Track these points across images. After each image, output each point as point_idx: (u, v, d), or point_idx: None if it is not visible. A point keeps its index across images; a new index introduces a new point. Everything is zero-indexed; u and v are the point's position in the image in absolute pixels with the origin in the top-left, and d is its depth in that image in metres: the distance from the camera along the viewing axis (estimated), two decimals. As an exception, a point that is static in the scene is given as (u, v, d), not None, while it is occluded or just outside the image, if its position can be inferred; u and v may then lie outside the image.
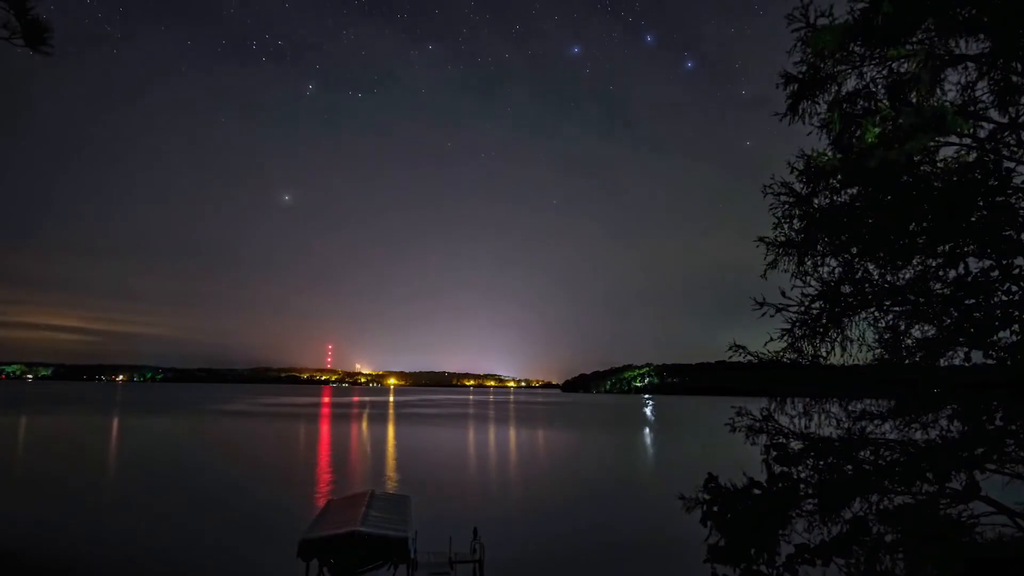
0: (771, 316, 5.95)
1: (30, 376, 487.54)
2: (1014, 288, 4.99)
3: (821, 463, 5.66)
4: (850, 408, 6.10)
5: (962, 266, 5.16)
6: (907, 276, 5.55)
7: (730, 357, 6.26)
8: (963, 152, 5.34)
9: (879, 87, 5.59)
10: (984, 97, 5.21)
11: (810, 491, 5.48)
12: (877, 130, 5.37)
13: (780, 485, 5.42)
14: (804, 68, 5.85)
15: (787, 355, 6.04)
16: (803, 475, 5.64)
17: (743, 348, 6.21)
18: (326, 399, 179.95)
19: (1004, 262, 4.96)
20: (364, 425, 79.31)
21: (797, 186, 6.09)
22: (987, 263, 5.06)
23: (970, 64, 5.16)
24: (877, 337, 5.81)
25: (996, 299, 5.04)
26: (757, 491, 5.34)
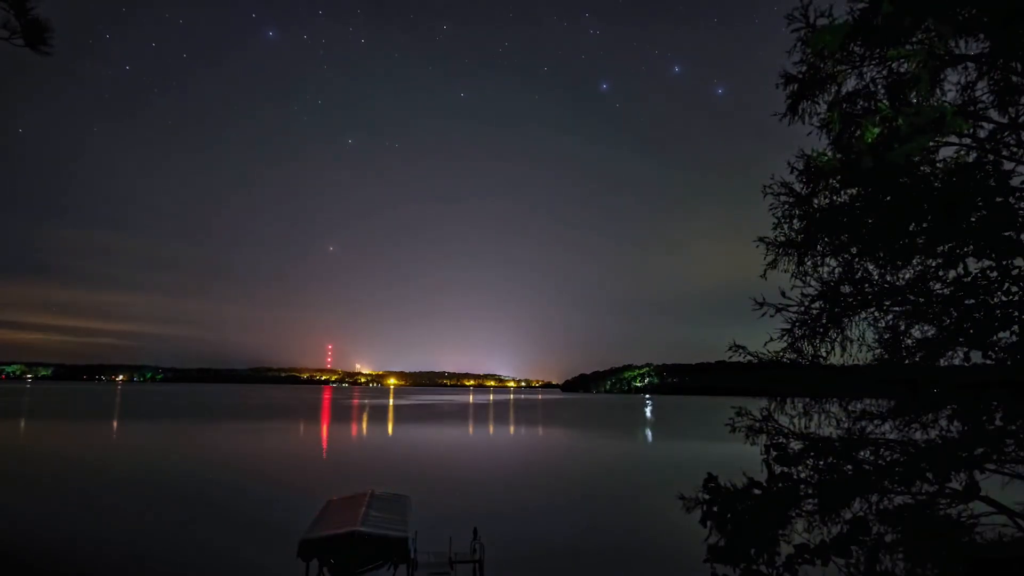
0: (771, 316, 5.95)
1: (30, 376, 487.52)
2: (1014, 288, 4.98)
3: (821, 463, 5.66)
4: (850, 408, 6.10)
5: (962, 266, 5.16)
6: (907, 276, 5.55)
7: (730, 357, 6.26)
8: (963, 152, 5.34)
9: (879, 87, 5.59)
10: (984, 97, 5.21)
11: (810, 491, 5.48)
12: (877, 130, 5.37)
13: (780, 485, 5.42)
14: (804, 68, 5.86)
15: (787, 355, 6.04)
16: (803, 475, 5.64)
17: (743, 348, 6.21)
18: (326, 399, 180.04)
19: (1004, 262, 4.95)
20: (364, 425, 79.30)
21: (797, 186, 6.09)
22: (987, 263, 5.06)
23: (970, 64, 5.16)
24: (877, 337, 5.81)
25: (996, 299, 5.04)
26: (757, 491, 5.33)
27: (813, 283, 5.91)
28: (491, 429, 76.21)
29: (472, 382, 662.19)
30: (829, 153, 5.96)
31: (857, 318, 5.82)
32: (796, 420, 6.08)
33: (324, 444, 55.21)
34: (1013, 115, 5.08)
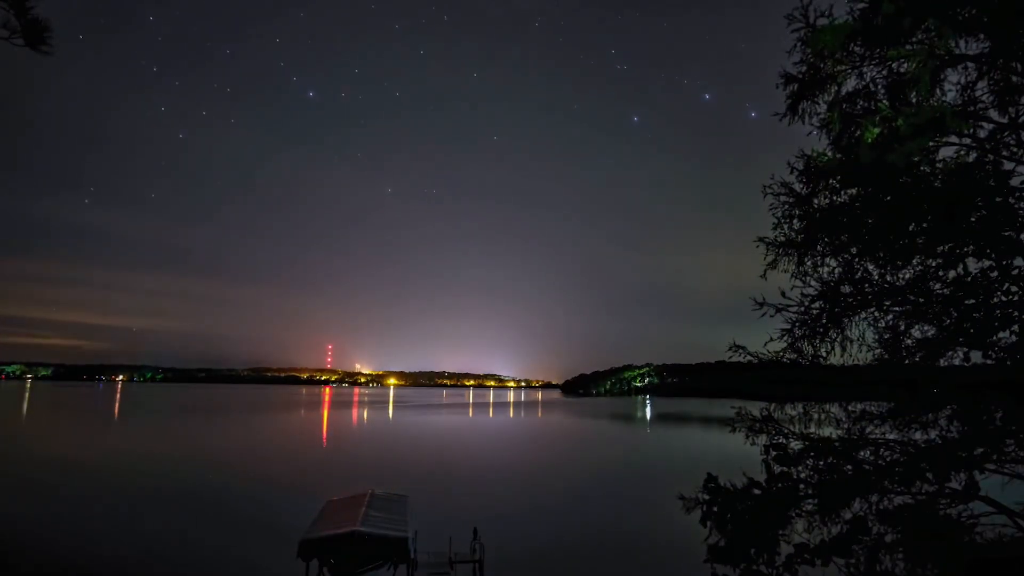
0: (771, 316, 5.95)
1: (30, 376, 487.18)
2: (1014, 288, 4.98)
3: (821, 463, 5.66)
4: (850, 408, 6.10)
5: (962, 266, 5.15)
6: (907, 276, 5.55)
7: (730, 357, 6.25)
8: (963, 152, 5.34)
9: (879, 87, 5.59)
10: (984, 97, 5.20)
11: (810, 491, 5.48)
12: (877, 130, 5.37)
13: (780, 485, 5.42)
14: (804, 68, 5.85)
15: (787, 355, 6.03)
16: (803, 475, 5.64)
17: (743, 348, 6.20)
18: (326, 399, 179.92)
19: (1004, 262, 4.95)
20: (363, 424, 79.26)
21: (797, 186, 6.09)
22: (987, 263, 5.05)
23: (970, 64, 5.16)
24: (877, 337, 5.80)
25: (996, 299, 5.04)
26: (757, 491, 5.33)
27: (813, 283, 5.91)
28: (491, 430, 76.15)
29: (472, 382, 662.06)
30: (829, 153, 5.95)
31: (857, 318, 5.81)
32: (796, 420, 6.08)
33: (324, 444, 55.20)
34: (1013, 115, 5.08)
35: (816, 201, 6.00)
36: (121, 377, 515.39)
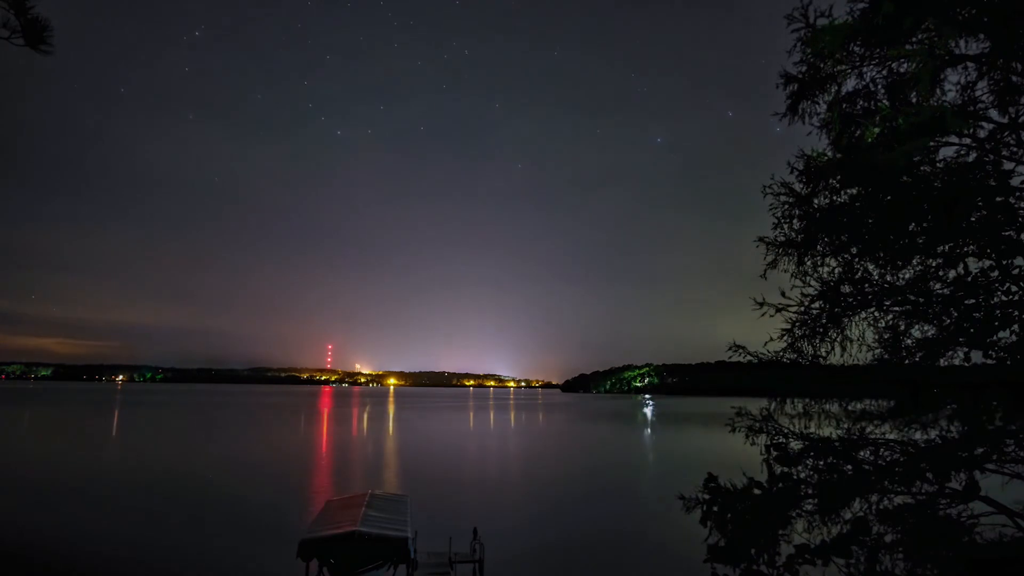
0: (771, 316, 5.95)
1: (31, 376, 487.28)
2: (1014, 288, 4.98)
3: (821, 463, 5.66)
4: (850, 408, 6.09)
5: (962, 266, 5.16)
6: (907, 276, 5.55)
7: (730, 357, 6.26)
8: (963, 152, 5.34)
9: (879, 87, 5.59)
10: (984, 97, 5.20)
11: (810, 491, 5.48)
12: (877, 130, 5.37)
13: (780, 485, 5.42)
14: (804, 68, 5.86)
15: (787, 355, 6.03)
16: (803, 475, 5.64)
17: (743, 348, 6.20)
18: (326, 400, 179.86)
19: (1004, 262, 4.95)
20: (363, 425, 79.27)
21: (797, 186, 6.09)
22: (987, 263, 5.05)
23: (970, 64, 5.16)
24: (877, 337, 5.80)
25: (996, 299, 5.04)
26: (757, 491, 5.33)
27: (813, 283, 5.91)
28: (491, 430, 76.17)
29: (472, 382, 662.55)
30: (829, 153, 5.95)
31: (857, 318, 5.81)
32: (796, 420, 6.07)
33: (324, 445, 55.20)
34: (1013, 115, 5.07)
35: (816, 201, 5.99)
36: (121, 377, 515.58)
